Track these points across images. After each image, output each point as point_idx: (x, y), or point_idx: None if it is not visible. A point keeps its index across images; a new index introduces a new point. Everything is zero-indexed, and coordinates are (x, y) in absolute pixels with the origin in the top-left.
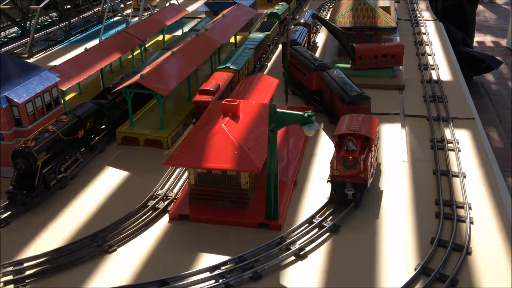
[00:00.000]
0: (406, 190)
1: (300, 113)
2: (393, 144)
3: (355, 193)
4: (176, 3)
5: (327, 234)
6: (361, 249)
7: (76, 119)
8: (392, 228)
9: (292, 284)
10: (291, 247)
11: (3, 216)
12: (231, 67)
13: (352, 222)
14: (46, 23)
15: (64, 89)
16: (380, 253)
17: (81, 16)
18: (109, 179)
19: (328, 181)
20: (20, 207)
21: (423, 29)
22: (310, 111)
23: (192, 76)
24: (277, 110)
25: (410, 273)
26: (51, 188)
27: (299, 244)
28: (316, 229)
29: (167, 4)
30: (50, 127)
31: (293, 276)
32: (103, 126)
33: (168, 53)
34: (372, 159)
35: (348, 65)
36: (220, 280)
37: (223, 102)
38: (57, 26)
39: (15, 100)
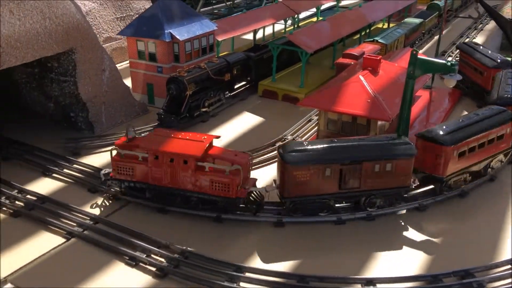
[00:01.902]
0: None
1: (443, 61)
2: None
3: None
4: None
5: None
6: (489, 217)
7: (225, 63)
8: None
9: None
10: None
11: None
12: (379, 40)
13: (484, 191)
14: (214, 0)
15: (219, 39)
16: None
17: None
18: (245, 122)
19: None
20: (166, 128)
21: None
22: (453, 60)
23: (338, 50)
24: (419, 56)
25: None
26: (194, 118)
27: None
28: None
29: None
30: (202, 64)
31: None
32: (249, 78)
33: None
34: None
35: (509, 58)
36: None
37: (364, 56)
38: (223, 4)
39: (177, 37)
